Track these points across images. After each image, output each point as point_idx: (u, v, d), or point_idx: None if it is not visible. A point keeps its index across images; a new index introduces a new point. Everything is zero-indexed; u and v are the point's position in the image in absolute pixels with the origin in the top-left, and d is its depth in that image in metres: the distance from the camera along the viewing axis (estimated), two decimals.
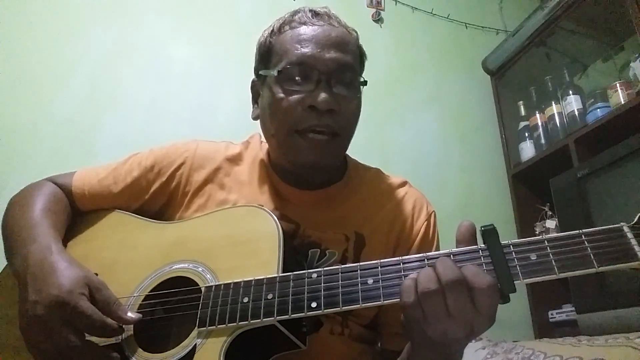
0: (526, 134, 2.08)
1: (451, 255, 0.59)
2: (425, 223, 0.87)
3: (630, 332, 1.11)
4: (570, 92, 1.87)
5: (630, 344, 0.98)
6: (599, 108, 1.72)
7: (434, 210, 0.90)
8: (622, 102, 1.64)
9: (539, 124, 2.02)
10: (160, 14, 1.87)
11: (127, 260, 0.79)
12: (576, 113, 1.83)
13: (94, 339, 0.66)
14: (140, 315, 0.69)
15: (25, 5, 1.69)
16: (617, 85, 1.68)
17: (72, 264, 0.70)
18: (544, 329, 1.86)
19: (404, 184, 0.93)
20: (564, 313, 1.80)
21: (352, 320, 0.81)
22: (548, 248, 0.57)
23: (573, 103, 1.85)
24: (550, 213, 1.93)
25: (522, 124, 2.12)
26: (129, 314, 0.68)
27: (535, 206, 2.01)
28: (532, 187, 2.08)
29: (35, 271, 0.68)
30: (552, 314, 1.85)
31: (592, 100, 1.76)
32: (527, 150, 2.06)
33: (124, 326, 0.68)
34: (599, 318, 1.38)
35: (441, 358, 0.64)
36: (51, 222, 0.79)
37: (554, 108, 1.95)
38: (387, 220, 0.86)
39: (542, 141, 2.00)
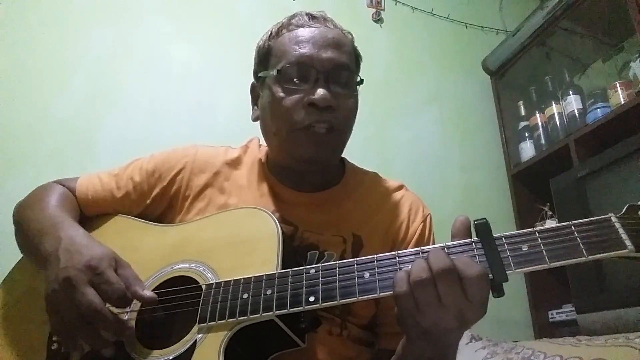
0: (526, 134, 2.07)
1: (445, 248, 0.61)
2: (421, 225, 0.88)
3: (630, 332, 1.11)
4: (570, 92, 1.87)
5: (630, 344, 0.97)
6: (599, 108, 1.72)
7: (429, 213, 0.92)
8: (622, 102, 1.63)
9: (539, 124, 2.02)
10: (160, 14, 1.87)
11: (129, 262, 0.79)
12: (576, 113, 1.83)
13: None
14: (155, 295, 0.71)
15: (26, 5, 1.70)
16: (617, 85, 1.68)
17: (101, 244, 0.73)
18: (544, 329, 1.86)
19: (400, 187, 0.94)
20: (564, 313, 1.80)
21: (350, 321, 0.82)
22: (539, 239, 0.58)
23: (573, 103, 1.85)
24: (550, 213, 1.92)
25: (522, 124, 2.12)
26: (146, 291, 0.70)
27: (535, 206, 2.01)
28: (532, 187, 2.08)
29: (67, 246, 0.71)
30: (552, 314, 1.85)
31: (592, 100, 1.76)
32: (527, 150, 2.06)
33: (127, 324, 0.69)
34: (599, 318, 1.38)
35: (435, 349, 0.64)
36: (69, 215, 0.82)
37: (554, 108, 1.95)
38: (384, 222, 0.88)
39: (542, 141, 2.00)
